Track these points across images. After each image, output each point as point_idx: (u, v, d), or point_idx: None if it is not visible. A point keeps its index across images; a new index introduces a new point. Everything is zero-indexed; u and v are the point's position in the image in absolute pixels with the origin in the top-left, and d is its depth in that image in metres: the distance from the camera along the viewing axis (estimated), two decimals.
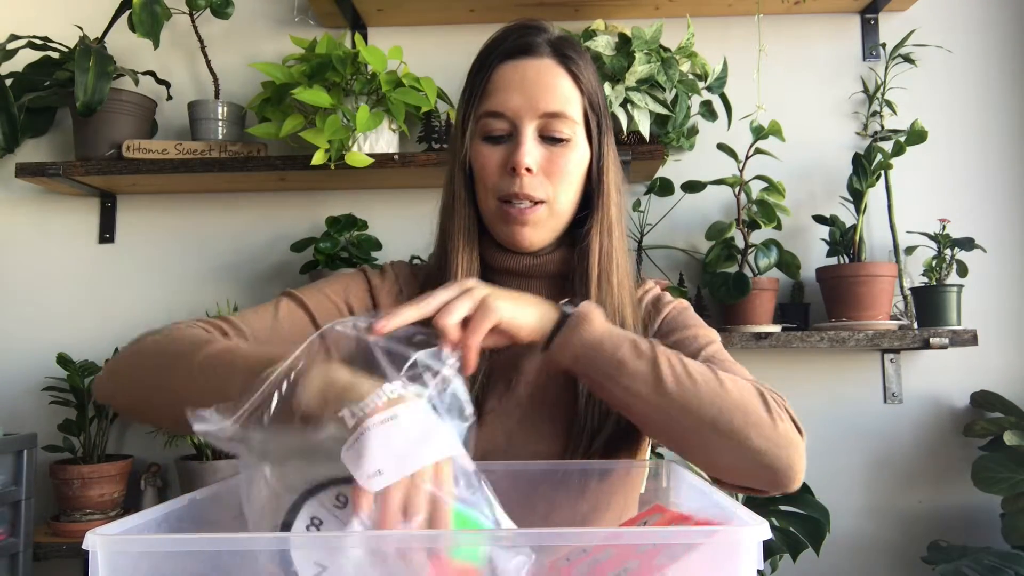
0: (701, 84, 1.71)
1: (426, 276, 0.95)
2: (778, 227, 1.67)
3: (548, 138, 0.86)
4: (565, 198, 0.88)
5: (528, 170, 0.84)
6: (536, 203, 0.86)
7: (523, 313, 0.72)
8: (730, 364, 0.81)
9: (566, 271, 0.92)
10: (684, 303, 0.96)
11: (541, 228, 0.87)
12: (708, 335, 0.88)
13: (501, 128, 0.86)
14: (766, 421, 0.69)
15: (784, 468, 0.69)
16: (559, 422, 0.86)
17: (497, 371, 0.88)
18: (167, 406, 0.71)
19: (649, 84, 1.64)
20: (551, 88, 0.85)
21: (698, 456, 0.72)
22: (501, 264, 0.92)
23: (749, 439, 0.68)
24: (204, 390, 0.66)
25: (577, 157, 0.88)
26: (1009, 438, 1.56)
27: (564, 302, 0.78)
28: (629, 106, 1.62)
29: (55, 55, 1.77)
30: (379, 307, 0.93)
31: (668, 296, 0.97)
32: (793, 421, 0.72)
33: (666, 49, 1.66)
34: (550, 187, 0.86)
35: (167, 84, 1.86)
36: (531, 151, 0.84)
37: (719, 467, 0.72)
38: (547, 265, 0.91)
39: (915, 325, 1.70)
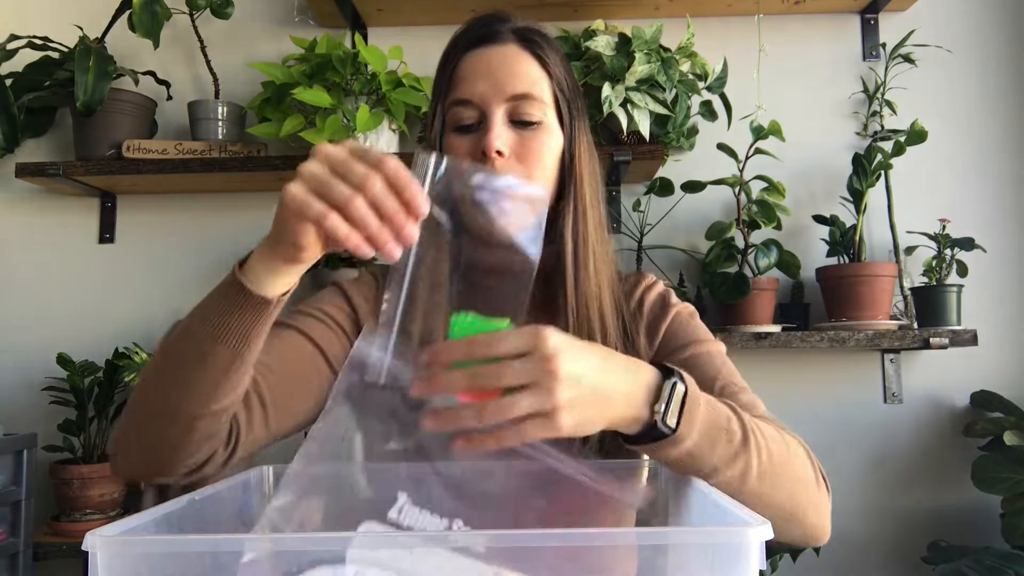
0: (701, 84, 1.71)
1: None
2: (778, 227, 1.67)
3: (519, 122, 0.84)
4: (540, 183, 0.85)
5: (499, 153, 0.82)
6: None
7: (605, 406, 0.61)
8: (762, 408, 0.81)
9: (543, 264, 0.87)
10: (691, 308, 0.93)
11: None
12: (731, 370, 0.86)
13: (470, 116, 0.84)
14: (818, 498, 0.73)
15: (823, 536, 0.74)
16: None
17: None
18: (167, 414, 0.68)
19: (649, 84, 1.64)
20: (516, 71, 0.84)
21: None
22: (473, 258, 0.87)
23: (807, 518, 0.72)
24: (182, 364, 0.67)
25: (550, 140, 0.85)
26: (1009, 438, 1.56)
27: (658, 366, 0.67)
28: (629, 106, 1.62)
29: (55, 55, 1.77)
30: (357, 312, 0.91)
31: (674, 297, 0.94)
32: (825, 481, 0.76)
33: (666, 49, 1.66)
34: (524, 172, 0.83)
35: (167, 84, 1.86)
36: (500, 134, 0.82)
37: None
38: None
39: (915, 325, 1.70)
